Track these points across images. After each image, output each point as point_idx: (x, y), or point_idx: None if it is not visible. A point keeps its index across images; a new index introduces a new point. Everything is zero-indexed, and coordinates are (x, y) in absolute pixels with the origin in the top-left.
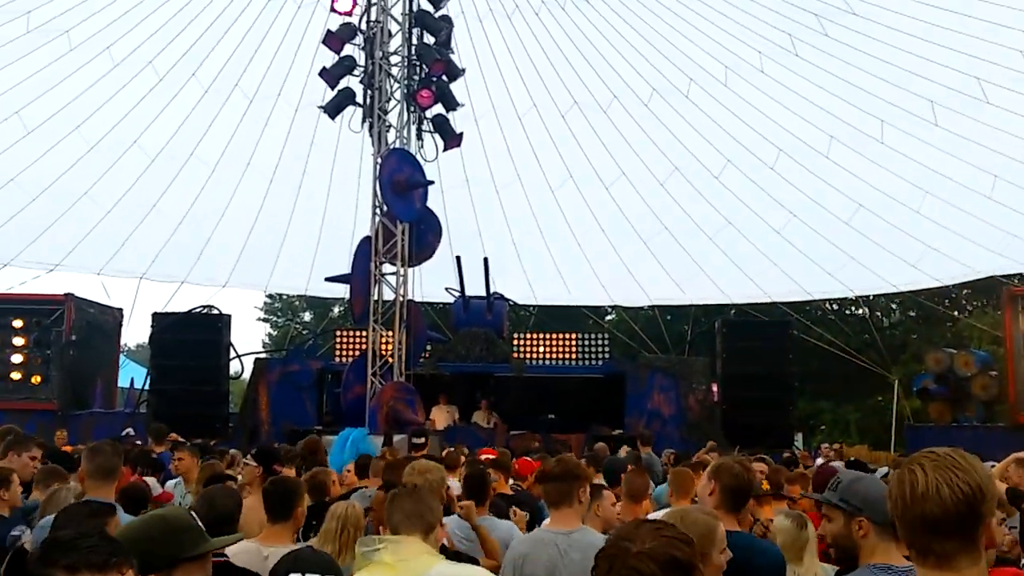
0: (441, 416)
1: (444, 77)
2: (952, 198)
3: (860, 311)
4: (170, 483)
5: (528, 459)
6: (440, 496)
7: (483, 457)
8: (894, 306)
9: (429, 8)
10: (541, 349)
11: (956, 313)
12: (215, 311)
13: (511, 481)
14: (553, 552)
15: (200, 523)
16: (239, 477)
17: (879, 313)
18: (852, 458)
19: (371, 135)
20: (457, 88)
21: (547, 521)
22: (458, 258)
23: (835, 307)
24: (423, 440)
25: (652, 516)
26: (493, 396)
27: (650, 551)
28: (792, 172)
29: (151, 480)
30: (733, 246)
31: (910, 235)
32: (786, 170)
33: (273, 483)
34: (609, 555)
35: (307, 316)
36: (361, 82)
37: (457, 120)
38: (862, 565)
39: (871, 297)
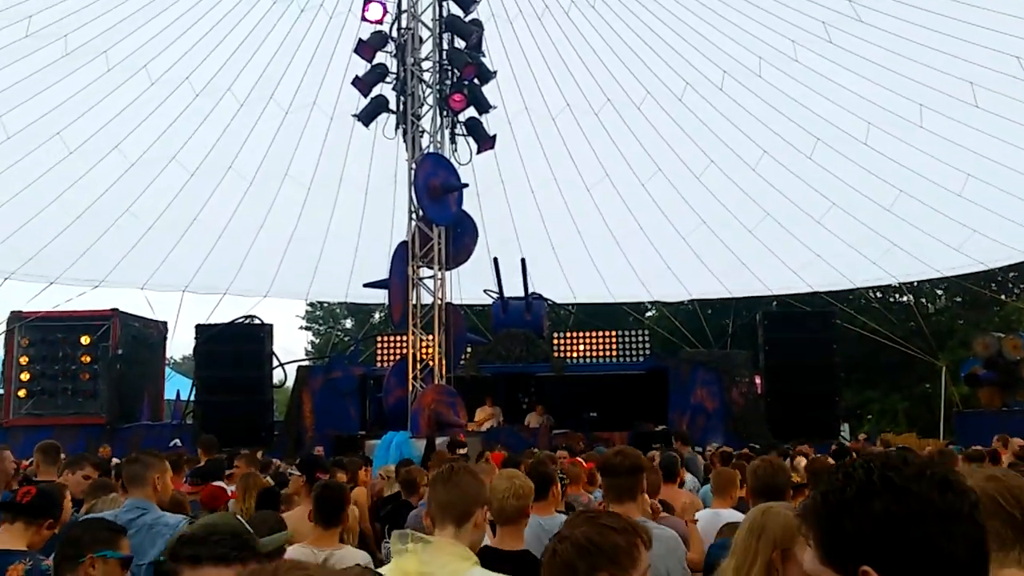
0: (485, 417)
1: (476, 80)
2: (995, 180)
3: (904, 298)
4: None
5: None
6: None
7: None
8: (939, 292)
9: (459, 13)
10: (581, 347)
11: (1003, 296)
12: (257, 321)
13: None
14: None
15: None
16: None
17: (924, 299)
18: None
19: (405, 141)
20: (489, 90)
21: None
22: (495, 260)
23: (879, 295)
24: (464, 451)
25: (699, 515)
26: (538, 397)
27: (571, 536)
28: (830, 160)
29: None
30: (772, 237)
31: (953, 219)
32: (824, 159)
33: (323, 488)
34: (551, 544)
35: (348, 323)
36: (394, 89)
37: (490, 122)
38: None
39: (915, 283)
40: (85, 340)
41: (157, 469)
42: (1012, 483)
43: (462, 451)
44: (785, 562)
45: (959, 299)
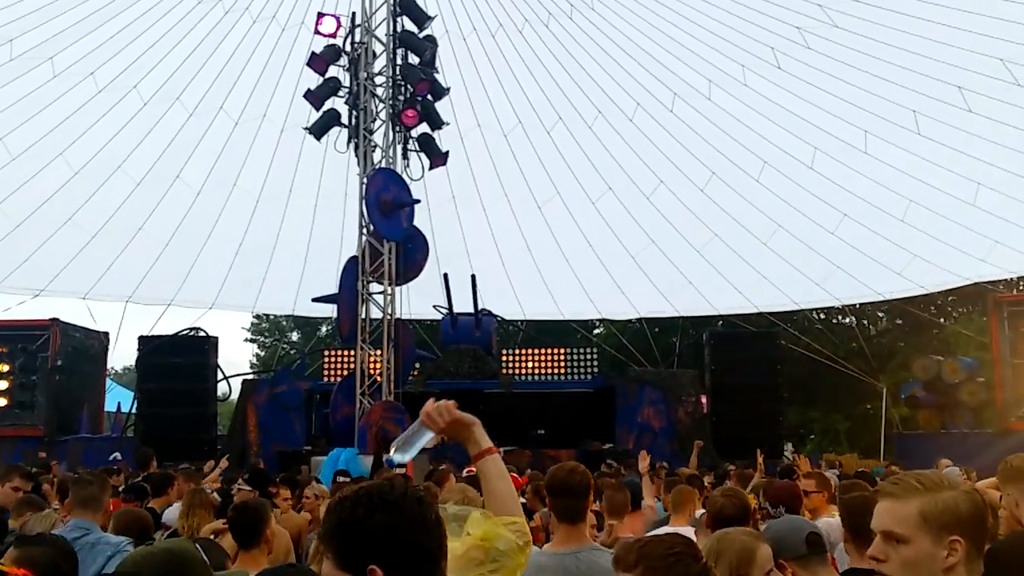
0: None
1: (429, 96)
2: (936, 206)
3: (847, 320)
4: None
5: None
6: None
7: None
8: (881, 314)
9: (413, 29)
10: (530, 364)
11: (942, 320)
12: (202, 333)
13: None
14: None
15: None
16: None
17: (866, 321)
18: (860, 469)
19: (357, 155)
20: (442, 107)
21: (551, 542)
22: (445, 275)
23: (822, 316)
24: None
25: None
26: (483, 414)
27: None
28: (777, 183)
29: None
30: (720, 258)
31: (895, 243)
32: (771, 182)
33: (236, 510)
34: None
35: (295, 336)
36: (346, 103)
37: (443, 138)
38: None
39: (858, 306)
40: (23, 350)
41: (109, 492)
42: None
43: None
44: None
45: (900, 322)
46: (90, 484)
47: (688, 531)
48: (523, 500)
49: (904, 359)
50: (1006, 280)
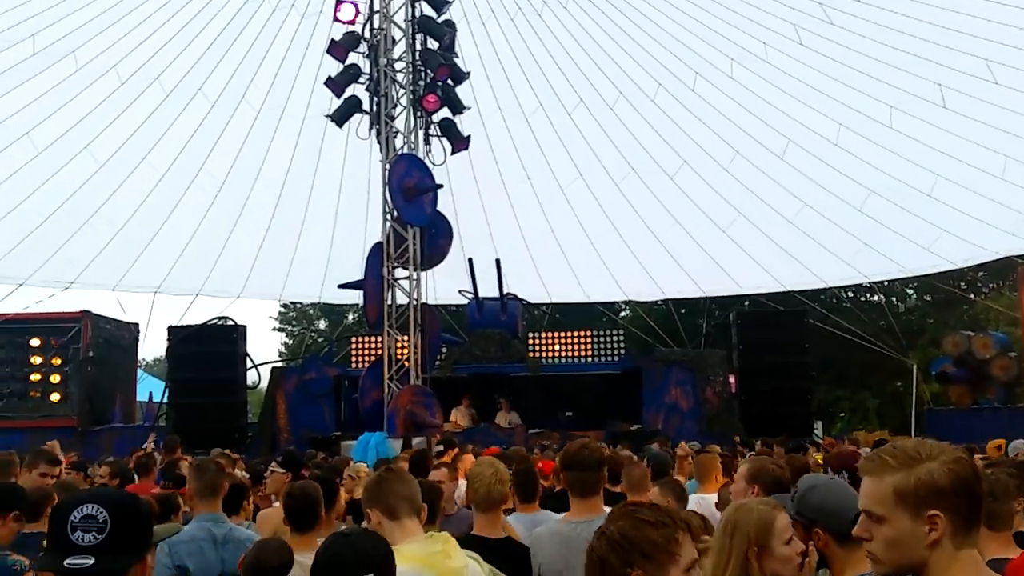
0: (461, 417)
1: (449, 81)
2: (964, 180)
3: (876, 297)
4: None
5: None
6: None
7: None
8: (910, 291)
9: (432, 13)
10: (556, 347)
11: (972, 296)
12: (230, 322)
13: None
14: (572, 544)
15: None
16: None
17: (895, 299)
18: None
19: (379, 141)
20: (463, 91)
21: (568, 512)
22: (470, 260)
23: (850, 294)
24: (443, 448)
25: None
26: (511, 396)
27: (607, 531)
28: (802, 161)
29: None
30: (746, 237)
31: (923, 219)
32: (796, 159)
33: (291, 495)
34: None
35: (322, 324)
36: (367, 89)
37: (464, 123)
38: None
39: (886, 283)
40: (55, 342)
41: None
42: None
43: (439, 448)
44: (761, 558)
45: (929, 298)
46: (210, 470)
47: (711, 498)
48: (550, 483)
49: (934, 335)
50: None
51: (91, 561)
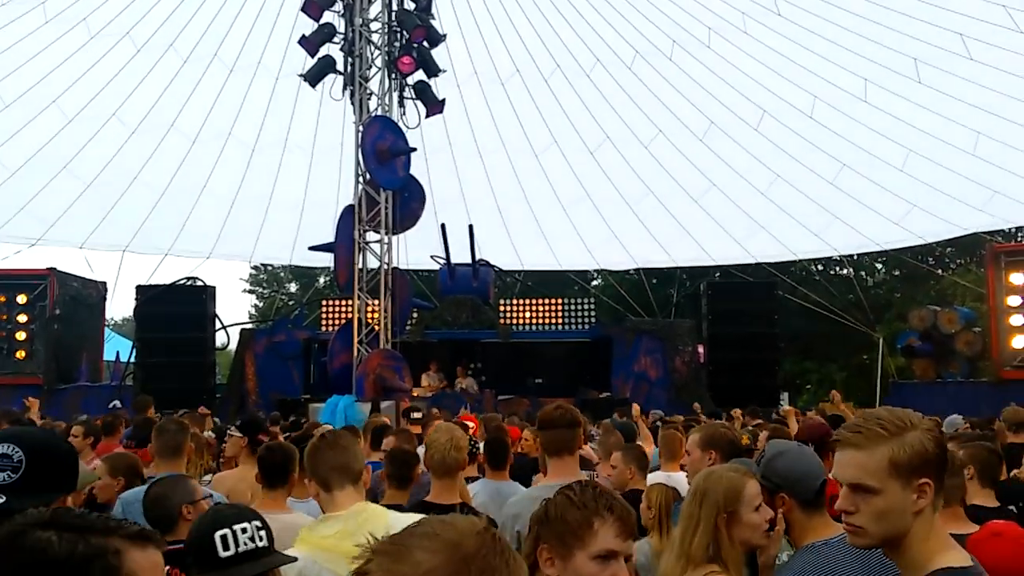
0: (430, 382)
1: (425, 43)
2: (935, 155)
3: (845, 271)
4: None
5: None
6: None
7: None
8: (879, 265)
9: None
10: (527, 315)
11: (940, 271)
12: (199, 283)
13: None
14: None
15: None
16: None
17: (863, 272)
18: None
19: (352, 103)
20: (438, 54)
21: (543, 475)
22: (443, 225)
23: (820, 267)
24: (419, 415)
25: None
26: (480, 362)
27: (546, 502)
28: (776, 133)
29: None
30: (718, 208)
31: (894, 193)
32: (770, 131)
33: (269, 449)
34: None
35: (292, 287)
36: (341, 49)
37: (439, 86)
38: (798, 548)
39: (855, 256)
40: (21, 299)
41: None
42: None
43: (416, 415)
44: (730, 525)
45: (897, 272)
46: (170, 431)
47: (680, 476)
48: (520, 449)
49: (901, 309)
50: (1004, 231)
51: (2, 500)
